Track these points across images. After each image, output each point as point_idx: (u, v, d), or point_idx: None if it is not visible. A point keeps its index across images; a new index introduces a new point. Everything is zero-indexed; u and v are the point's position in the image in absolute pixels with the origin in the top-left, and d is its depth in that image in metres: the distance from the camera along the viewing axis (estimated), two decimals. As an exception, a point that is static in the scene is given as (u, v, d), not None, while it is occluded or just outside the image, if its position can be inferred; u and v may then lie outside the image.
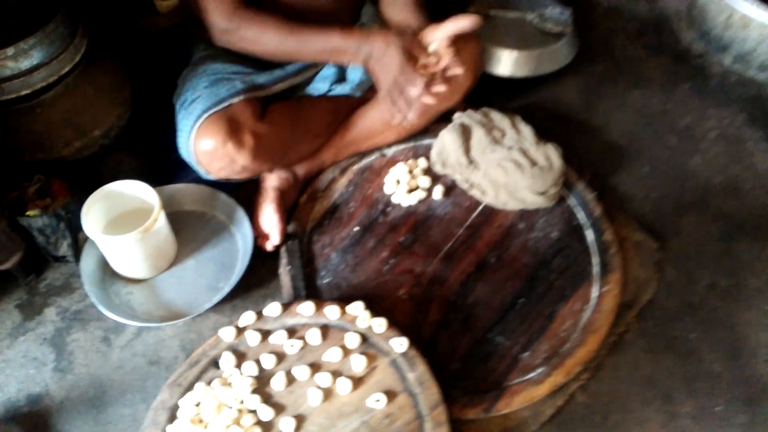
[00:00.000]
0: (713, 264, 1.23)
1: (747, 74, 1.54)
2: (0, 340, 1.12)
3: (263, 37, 1.10)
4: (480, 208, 1.26)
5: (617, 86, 1.56)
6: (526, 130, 1.28)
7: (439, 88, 1.08)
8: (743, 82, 1.54)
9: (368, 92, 1.28)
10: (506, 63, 1.47)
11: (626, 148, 1.42)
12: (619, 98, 1.53)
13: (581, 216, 1.24)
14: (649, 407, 1.06)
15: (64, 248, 1.15)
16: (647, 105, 1.51)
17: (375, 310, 1.06)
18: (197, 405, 0.97)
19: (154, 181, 1.15)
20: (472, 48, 1.25)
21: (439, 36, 1.08)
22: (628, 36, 1.68)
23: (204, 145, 1.10)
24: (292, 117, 1.20)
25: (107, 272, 1.17)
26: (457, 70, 1.10)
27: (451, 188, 1.29)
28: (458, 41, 1.12)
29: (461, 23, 1.06)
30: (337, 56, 1.13)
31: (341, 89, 1.26)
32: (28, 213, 1.10)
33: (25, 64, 1.08)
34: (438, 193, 1.27)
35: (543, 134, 1.29)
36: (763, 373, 1.09)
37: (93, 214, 1.09)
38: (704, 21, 1.57)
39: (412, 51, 1.07)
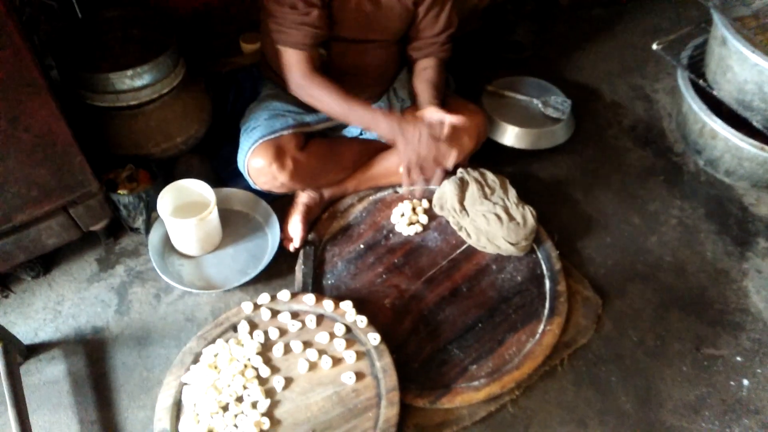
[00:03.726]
0: (646, 326, 1.47)
1: (715, 176, 1.78)
2: (80, 283, 1.46)
3: (324, 98, 1.38)
4: (463, 247, 1.55)
5: (601, 168, 1.80)
6: (512, 192, 1.57)
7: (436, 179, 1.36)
8: (711, 182, 1.78)
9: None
10: (510, 136, 1.76)
11: (596, 220, 1.67)
12: (600, 179, 1.78)
13: (544, 268, 1.51)
14: (564, 428, 1.29)
15: (139, 222, 1.49)
16: (623, 188, 1.76)
17: (362, 311, 1.35)
18: (215, 355, 1.28)
19: (214, 183, 1.47)
20: (479, 119, 1.57)
21: (438, 117, 1.36)
22: (621, 128, 1.93)
23: (255, 162, 1.43)
24: (326, 151, 1.53)
25: (167, 246, 1.50)
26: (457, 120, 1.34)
27: (443, 227, 1.58)
28: (469, 113, 1.44)
29: (455, 120, 1.34)
30: (373, 127, 1.38)
31: (370, 134, 1.59)
32: (119, 191, 1.45)
33: (138, 83, 1.43)
34: (432, 229, 1.57)
35: (529, 198, 1.57)
36: (665, 420, 1.32)
37: (165, 200, 1.43)
38: (685, 126, 1.83)
39: (436, 136, 1.33)
